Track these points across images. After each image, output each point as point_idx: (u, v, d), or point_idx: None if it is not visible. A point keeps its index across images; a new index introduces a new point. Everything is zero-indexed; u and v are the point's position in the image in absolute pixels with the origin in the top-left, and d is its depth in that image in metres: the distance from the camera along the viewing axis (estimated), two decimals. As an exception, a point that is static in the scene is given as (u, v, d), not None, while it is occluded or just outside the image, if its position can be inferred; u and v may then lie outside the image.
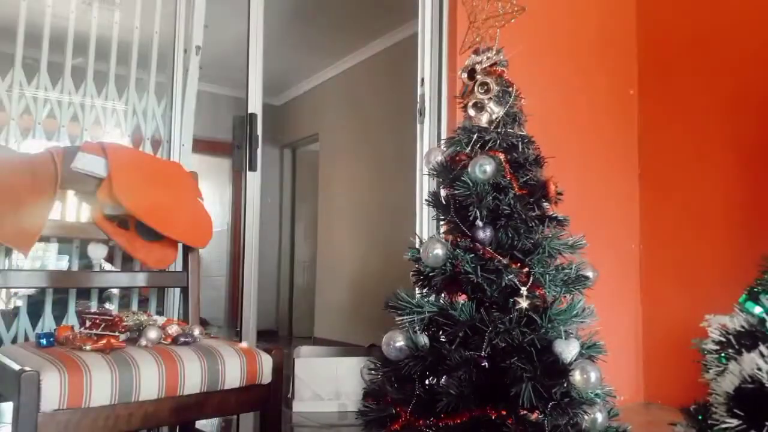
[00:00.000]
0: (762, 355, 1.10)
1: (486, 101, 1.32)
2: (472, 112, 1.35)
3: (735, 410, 1.06)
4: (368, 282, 4.98)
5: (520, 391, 1.07)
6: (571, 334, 1.18)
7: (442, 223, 1.36)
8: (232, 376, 1.56)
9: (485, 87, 1.33)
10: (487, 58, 1.35)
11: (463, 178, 1.26)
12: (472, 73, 1.37)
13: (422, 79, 2.71)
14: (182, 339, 1.60)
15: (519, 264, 1.22)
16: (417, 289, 1.33)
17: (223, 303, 6.36)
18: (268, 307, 6.26)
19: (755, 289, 1.28)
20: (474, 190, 1.25)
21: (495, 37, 1.40)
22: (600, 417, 1.14)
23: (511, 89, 1.37)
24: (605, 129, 3.12)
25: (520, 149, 1.33)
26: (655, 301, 3.09)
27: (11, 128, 2.09)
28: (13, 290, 2.51)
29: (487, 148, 1.31)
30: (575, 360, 1.13)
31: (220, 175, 6.54)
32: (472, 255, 1.23)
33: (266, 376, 1.62)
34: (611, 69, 3.18)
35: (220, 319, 6.28)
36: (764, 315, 1.24)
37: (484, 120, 1.33)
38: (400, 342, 1.22)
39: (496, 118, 1.33)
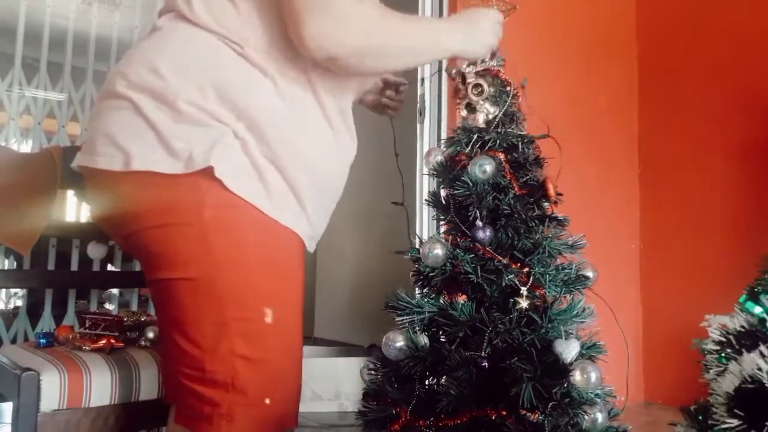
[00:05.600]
0: (762, 355, 1.10)
1: (481, 102, 1.32)
2: (464, 113, 1.35)
3: (735, 410, 1.06)
4: (368, 282, 4.98)
5: (520, 391, 1.07)
6: (571, 334, 1.18)
7: (442, 223, 1.36)
8: (232, 376, 1.55)
9: (479, 89, 1.32)
10: (482, 62, 1.34)
11: (463, 178, 1.26)
12: (464, 77, 1.36)
13: (422, 79, 2.71)
14: (182, 339, 1.60)
15: (519, 264, 1.22)
16: (417, 289, 1.33)
17: (223, 303, 6.37)
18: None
19: (755, 289, 1.28)
20: (474, 190, 1.25)
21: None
22: (600, 417, 1.14)
23: (508, 89, 1.37)
24: (605, 128, 3.12)
25: (520, 149, 1.33)
26: (655, 301, 3.09)
27: (11, 128, 2.09)
28: (12, 290, 2.51)
29: (486, 148, 1.31)
30: (575, 360, 1.13)
31: (220, 175, 6.55)
32: (472, 255, 1.23)
33: (266, 376, 1.62)
34: (611, 69, 3.18)
35: (219, 319, 6.29)
36: (764, 315, 1.24)
37: (480, 120, 1.33)
38: (400, 342, 1.22)
39: (493, 119, 1.33)
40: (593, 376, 1.10)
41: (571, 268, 1.25)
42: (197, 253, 0.95)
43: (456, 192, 1.26)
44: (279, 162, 0.98)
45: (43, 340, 1.53)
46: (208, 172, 0.93)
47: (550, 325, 1.15)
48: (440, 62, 2.68)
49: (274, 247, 1.00)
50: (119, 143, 0.96)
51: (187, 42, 1.00)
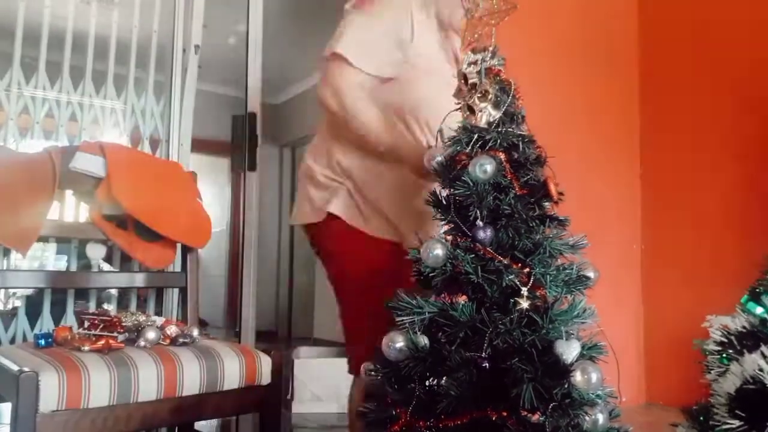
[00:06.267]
0: (763, 355, 1.09)
1: (482, 105, 1.31)
2: (466, 113, 1.34)
3: (736, 411, 1.06)
4: (368, 282, 4.96)
5: (521, 392, 1.06)
6: (572, 334, 1.17)
7: (442, 223, 1.35)
8: (231, 377, 1.55)
9: (485, 94, 1.31)
10: (483, 60, 1.33)
11: (463, 178, 1.25)
12: (466, 77, 1.35)
13: (422, 79, 2.70)
14: (181, 340, 1.60)
15: (520, 264, 1.21)
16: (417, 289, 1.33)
17: (222, 304, 6.35)
18: (267, 307, 6.25)
19: (757, 290, 1.27)
20: (474, 190, 1.24)
21: (491, 35, 1.39)
22: (601, 418, 1.13)
23: (508, 88, 1.36)
24: (607, 129, 3.12)
25: (521, 149, 1.32)
26: (656, 302, 3.09)
27: (9, 128, 2.08)
28: (11, 290, 2.51)
29: (487, 147, 1.30)
30: (576, 361, 1.13)
31: (219, 175, 6.52)
32: (473, 255, 1.22)
33: (265, 377, 1.61)
34: (613, 69, 3.18)
35: (219, 320, 6.27)
36: (766, 315, 1.23)
37: (482, 122, 1.32)
38: (400, 343, 1.21)
39: (494, 120, 1.32)
40: (594, 377, 1.10)
41: (572, 269, 1.25)
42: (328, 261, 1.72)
43: (456, 192, 1.26)
44: (369, 198, 1.63)
45: (41, 341, 1.52)
46: (331, 216, 1.63)
47: (550, 326, 1.14)
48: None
49: (365, 249, 1.62)
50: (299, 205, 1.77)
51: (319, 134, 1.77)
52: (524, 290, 1.18)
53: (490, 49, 1.35)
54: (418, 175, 1.56)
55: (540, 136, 1.41)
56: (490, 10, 1.36)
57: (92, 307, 2.17)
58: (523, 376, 1.08)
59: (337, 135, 1.67)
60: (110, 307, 2.32)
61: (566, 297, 1.22)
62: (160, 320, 1.69)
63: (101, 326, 1.55)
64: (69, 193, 1.96)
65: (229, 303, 6.26)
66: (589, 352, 1.20)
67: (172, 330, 1.62)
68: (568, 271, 1.24)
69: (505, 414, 1.10)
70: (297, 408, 2.90)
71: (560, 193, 1.28)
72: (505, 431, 1.09)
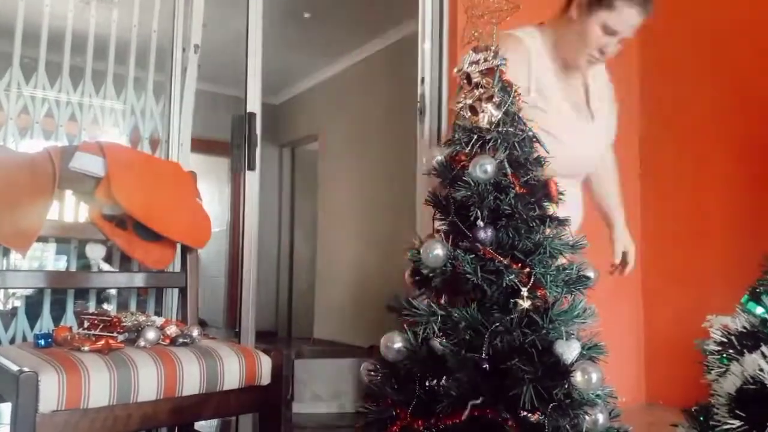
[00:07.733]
0: (764, 355, 1.09)
1: (485, 106, 1.31)
2: (468, 114, 1.34)
3: (737, 411, 1.06)
4: (368, 282, 4.97)
5: (521, 392, 1.06)
6: (572, 334, 1.17)
7: (442, 223, 1.35)
8: (231, 377, 1.55)
9: (485, 92, 1.31)
10: (485, 60, 1.33)
11: (464, 178, 1.25)
12: (469, 77, 1.35)
13: (422, 78, 2.70)
14: (181, 340, 1.59)
15: (520, 264, 1.21)
16: (416, 290, 1.33)
17: (222, 304, 6.34)
18: (267, 307, 6.25)
19: (757, 290, 1.27)
20: (475, 189, 1.24)
21: (492, 34, 1.38)
22: (601, 418, 1.13)
23: (510, 89, 1.36)
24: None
25: (521, 148, 1.32)
26: (656, 302, 3.08)
27: (9, 128, 2.08)
28: (11, 290, 2.50)
29: (487, 147, 1.30)
30: (576, 361, 1.13)
31: (219, 175, 6.52)
32: (473, 255, 1.22)
33: (265, 377, 1.61)
34: (612, 69, 3.17)
35: (218, 320, 6.27)
36: (766, 315, 1.23)
37: (484, 122, 1.32)
38: (398, 343, 1.21)
39: (495, 120, 1.32)
40: (594, 377, 1.10)
41: (572, 269, 1.25)
42: None
43: (458, 193, 1.25)
44: None
45: (41, 341, 1.52)
46: None
47: (551, 326, 1.14)
48: (441, 62, 2.68)
49: None
50: None
51: None
52: (524, 290, 1.18)
53: (493, 48, 1.35)
54: None
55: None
56: (491, 8, 1.36)
57: (92, 307, 2.16)
58: (524, 376, 1.08)
59: None
60: (110, 307, 2.32)
61: (566, 297, 1.22)
62: (159, 320, 1.69)
63: (101, 326, 1.55)
64: (69, 193, 1.96)
65: (229, 303, 6.26)
66: (589, 352, 1.20)
67: (171, 330, 1.62)
68: (568, 271, 1.24)
69: (505, 414, 1.10)
70: (297, 408, 2.90)
71: (560, 193, 1.28)
72: (504, 431, 1.09)
